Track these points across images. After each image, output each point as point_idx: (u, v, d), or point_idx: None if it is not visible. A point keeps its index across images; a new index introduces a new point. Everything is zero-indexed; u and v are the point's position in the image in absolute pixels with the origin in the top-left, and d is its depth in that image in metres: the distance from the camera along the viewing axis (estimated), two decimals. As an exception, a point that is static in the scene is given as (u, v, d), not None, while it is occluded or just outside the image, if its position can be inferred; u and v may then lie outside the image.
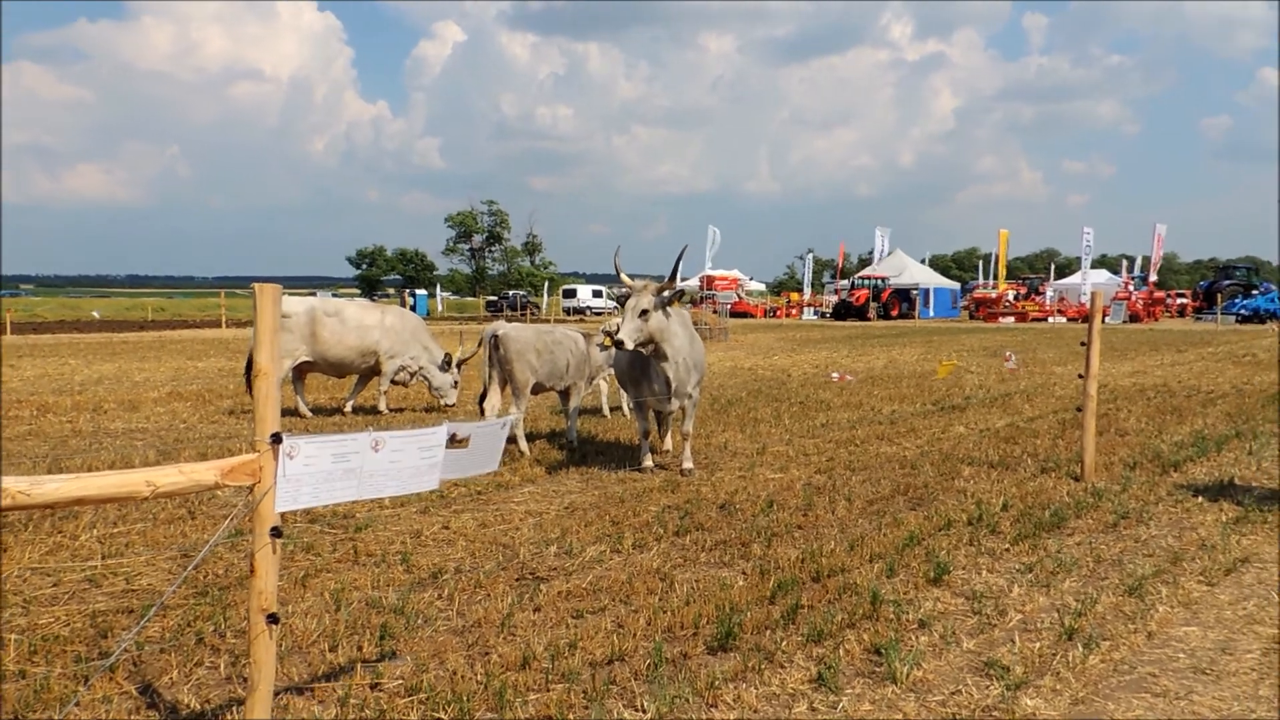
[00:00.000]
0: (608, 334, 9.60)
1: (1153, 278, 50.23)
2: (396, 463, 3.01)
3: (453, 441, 3.20)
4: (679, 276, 7.49)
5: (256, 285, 2.76)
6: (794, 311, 54.57)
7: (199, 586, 4.64)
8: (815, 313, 53.18)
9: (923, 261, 59.88)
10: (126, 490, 2.48)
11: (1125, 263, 55.71)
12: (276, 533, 2.72)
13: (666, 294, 7.26)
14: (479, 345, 9.85)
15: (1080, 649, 3.93)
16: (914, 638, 4.07)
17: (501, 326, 8.64)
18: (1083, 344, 7.62)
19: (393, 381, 11.32)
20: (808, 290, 60.48)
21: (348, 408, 11.28)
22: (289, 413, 10.59)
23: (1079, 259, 50.24)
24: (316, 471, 2.85)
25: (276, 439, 2.72)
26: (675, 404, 7.73)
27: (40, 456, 8.16)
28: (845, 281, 53.14)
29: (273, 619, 2.73)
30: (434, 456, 3.12)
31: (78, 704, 3.31)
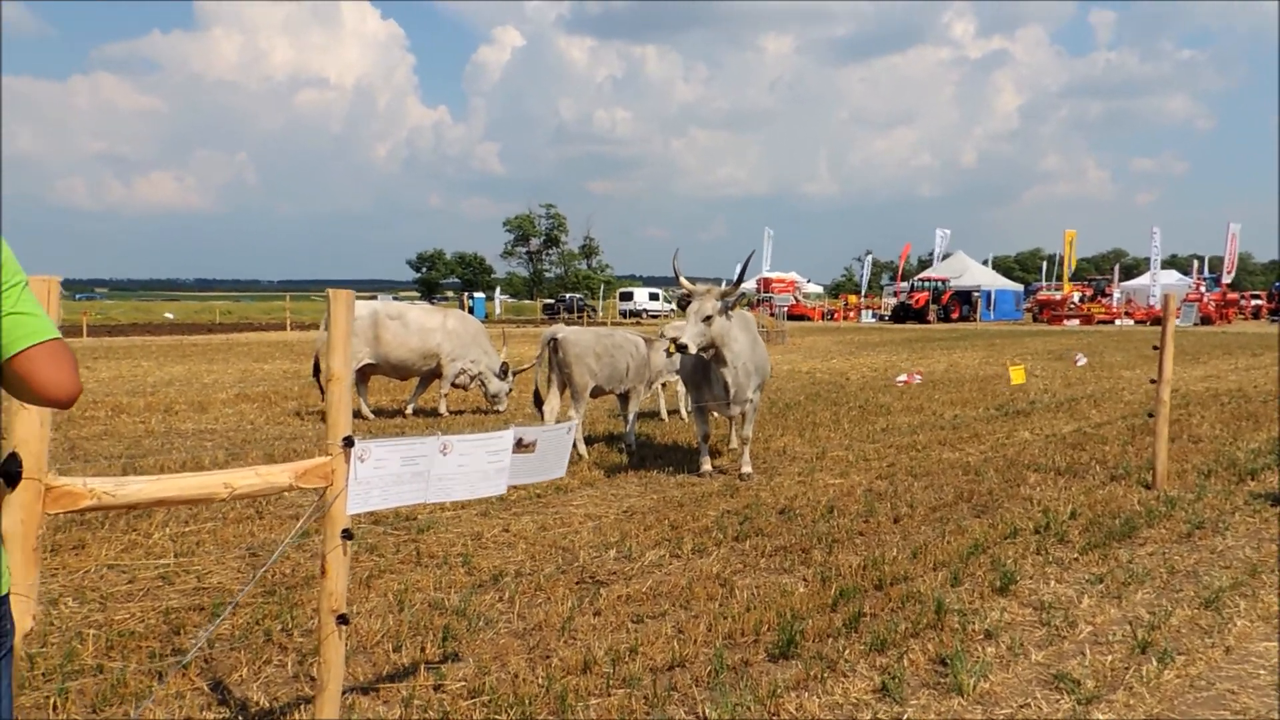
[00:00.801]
0: (672, 340, 9.62)
1: (1226, 279, 48.74)
2: (464, 466, 3.04)
3: (519, 446, 3.23)
4: (743, 282, 7.46)
5: (331, 291, 2.81)
6: (851, 314, 54.04)
7: (267, 585, 4.74)
8: (873, 315, 52.58)
9: (985, 263, 58.84)
10: (205, 492, 2.54)
11: (1196, 263, 54.14)
12: (348, 535, 2.76)
13: (729, 299, 7.25)
14: (540, 354, 9.93)
15: (1154, 663, 3.82)
16: (980, 648, 4.00)
17: (561, 330, 8.69)
18: (1155, 347, 7.41)
19: (452, 384, 11.46)
20: (865, 292, 59.82)
21: (409, 410, 11.44)
22: (352, 415, 10.77)
23: (1147, 260, 48.98)
24: (386, 474, 2.90)
25: (349, 443, 2.77)
26: (736, 409, 7.69)
27: (115, 456, 8.42)
28: (905, 284, 52.40)
29: (342, 620, 2.77)
30: (501, 461, 3.14)
31: (153, 700, 3.41)
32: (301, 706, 3.38)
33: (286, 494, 6.72)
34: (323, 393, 9.74)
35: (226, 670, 3.72)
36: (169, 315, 52.43)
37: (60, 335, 1.69)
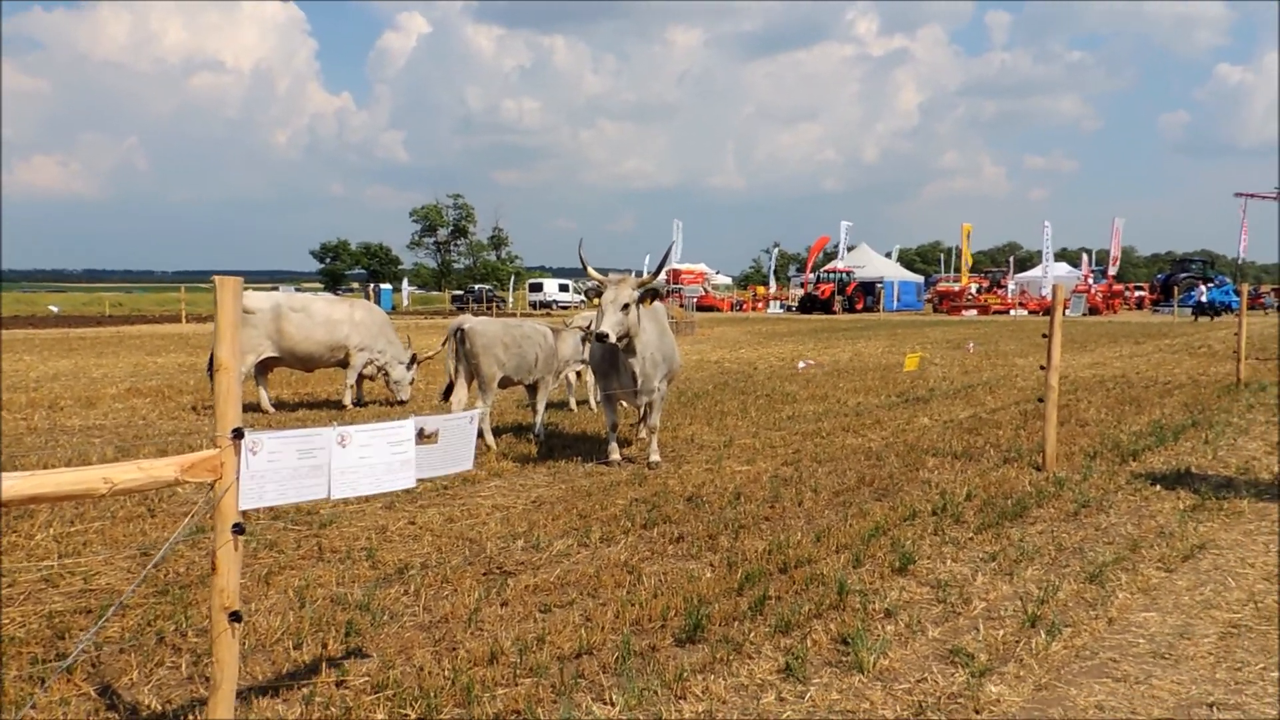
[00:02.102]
0: (586, 329, 9.59)
1: (1111, 271, 51.04)
2: (366, 459, 2.97)
3: (421, 437, 3.17)
4: (661, 272, 7.47)
5: (217, 278, 2.71)
6: (760, 305, 54.80)
7: (159, 585, 4.57)
8: (781, 306, 53.44)
9: (888, 255, 60.39)
10: (83, 488, 2.43)
11: (1085, 256, 56.54)
12: (239, 529, 2.68)
13: (647, 287, 7.26)
14: (443, 343, 9.79)
15: (1043, 636, 3.99)
16: (880, 627, 4.10)
17: (468, 320, 8.59)
18: (1044, 336, 7.72)
19: (361, 375, 11.22)
20: (773, 284, 60.76)
21: (347, 400, 11.14)
22: (252, 408, 10.46)
23: (1040, 253, 50.94)
24: (282, 468, 2.81)
25: (238, 434, 2.68)
26: (644, 398, 7.72)
27: (-6, 455, 7.98)
28: (812, 275, 53.42)
29: (235, 617, 2.69)
30: (405, 453, 3.09)
31: (34, 706, 3.25)
32: (196, 708, 3.26)
33: (180, 491, 6.49)
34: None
35: (116, 674, 3.57)
36: (53, 308, 49.98)
37: None
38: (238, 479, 2.69)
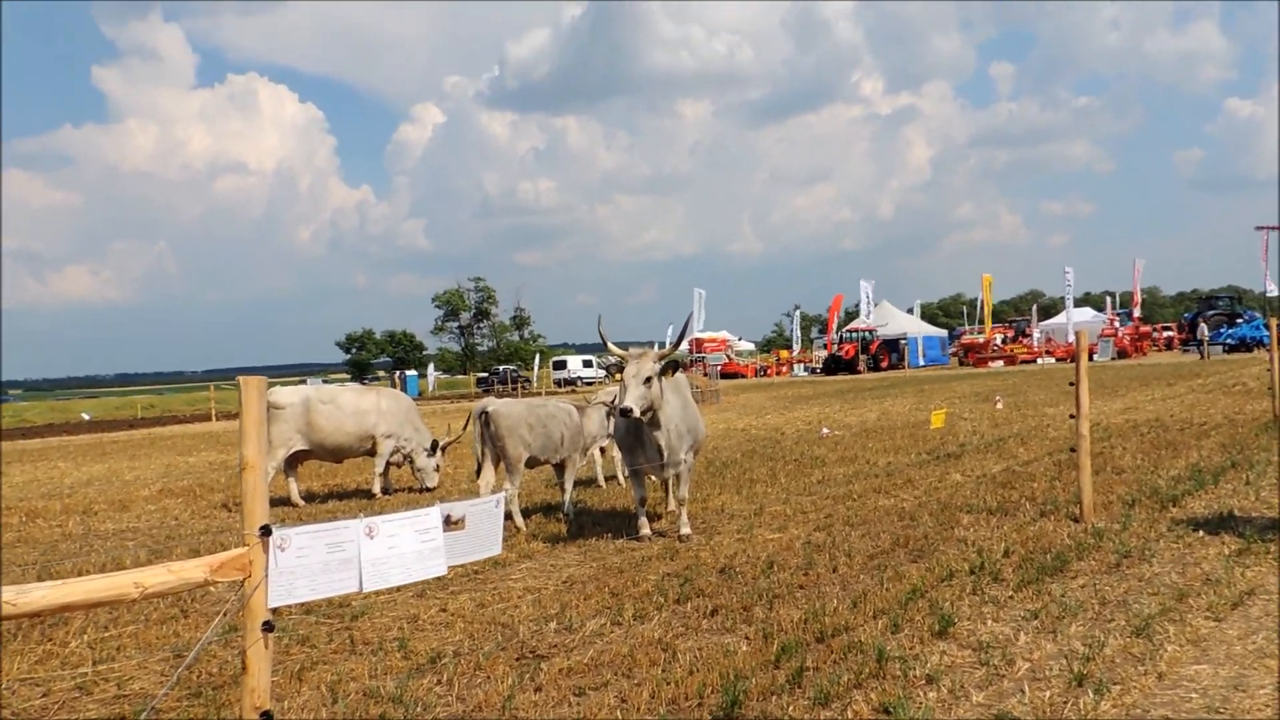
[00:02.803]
0: (608, 404, 9.62)
1: (1136, 313, 50.66)
2: (396, 548, 2.98)
3: (449, 523, 3.18)
4: (682, 343, 7.51)
5: (241, 378, 2.77)
6: (784, 369, 54.73)
7: (192, 688, 4.55)
8: (806, 369, 53.35)
9: (910, 311, 60.35)
10: (114, 593, 2.45)
11: (1109, 299, 56.23)
12: (269, 627, 2.68)
13: (668, 360, 7.31)
14: (465, 425, 9.84)
15: (1091, 695, 3.87)
16: (922, 694, 4.01)
17: (491, 403, 8.64)
18: (1071, 384, 7.65)
19: (389, 463, 11.28)
20: (797, 347, 60.76)
21: (376, 490, 11.20)
22: (282, 502, 10.51)
23: (1062, 299, 50.74)
24: (312, 563, 2.83)
25: (266, 531, 2.70)
26: (670, 471, 7.70)
27: (29, 564, 8.05)
28: (835, 335, 53.40)
29: (267, 717, 2.67)
30: (434, 540, 3.10)
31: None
32: (230, 813, 3.23)
33: (213, 590, 6.50)
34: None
35: (149, 781, 3.54)
36: (85, 415, 50.75)
37: None
38: (266, 576, 2.70)
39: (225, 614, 2.97)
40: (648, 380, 7.14)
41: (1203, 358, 37.72)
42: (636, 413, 7.05)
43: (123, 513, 11.07)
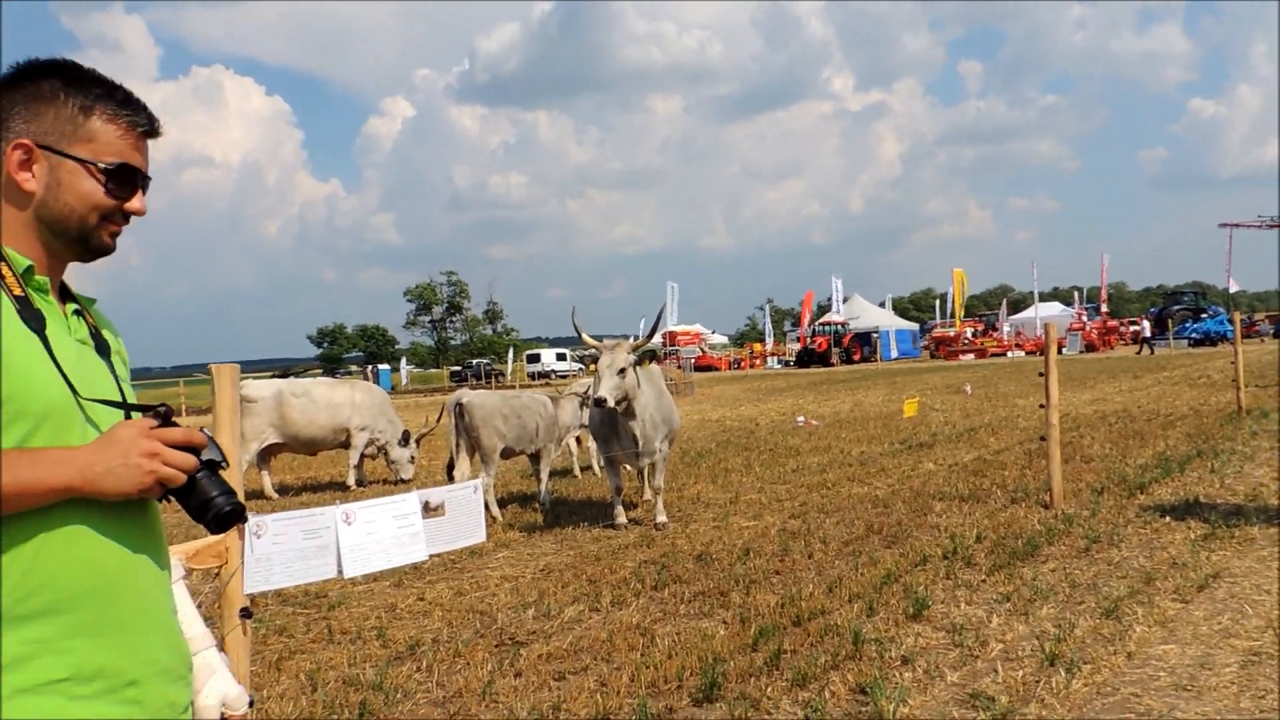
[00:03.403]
0: (581, 395, 9.64)
1: (1103, 308, 51.32)
2: (374, 534, 2.97)
3: (428, 510, 3.18)
4: (656, 334, 7.53)
5: (214, 367, 2.76)
6: (758, 362, 54.95)
7: (169, 677, 4.52)
8: (779, 361, 53.59)
9: (882, 305, 60.76)
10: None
11: (1077, 294, 56.93)
12: (246, 614, 2.67)
13: (641, 351, 7.34)
14: (439, 416, 9.82)
15: (1063, 674, 3.94)
16: (898, 674, 4.06)
17: (465, 394, 8.63)
18: (1041, 375, 7.76)
19: (363, 455, 11.23)
20: (770, 340, 61.02)
21: (351, 481, 11.15)
22: (255, 495, 10.44)
23: (1031, 293, 51.34)
24: (288, 549, 2.82)
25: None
26: (645, 460, 7.73)
27: None
28: (807, 329, 53.69)
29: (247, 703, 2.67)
30: (413, 525, 3.09)
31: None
32: (209, 799, 3.21)
33: (186, 584, 6.44)
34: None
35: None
36: (54, 408, 49.88)
37: None
38: (242, 563, 2.70)
39: (200, 605, 2.94)
40: (622, 371, 7.16)
41: (1152, 353, 38.41)
42: (611, 403, 7.07)
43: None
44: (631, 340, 7.50)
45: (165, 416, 1.33)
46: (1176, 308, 50.91)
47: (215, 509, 1.31)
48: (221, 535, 2.65)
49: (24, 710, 1.20)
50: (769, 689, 3.95)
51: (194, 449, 1.32)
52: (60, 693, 1.23)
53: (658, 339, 53.45)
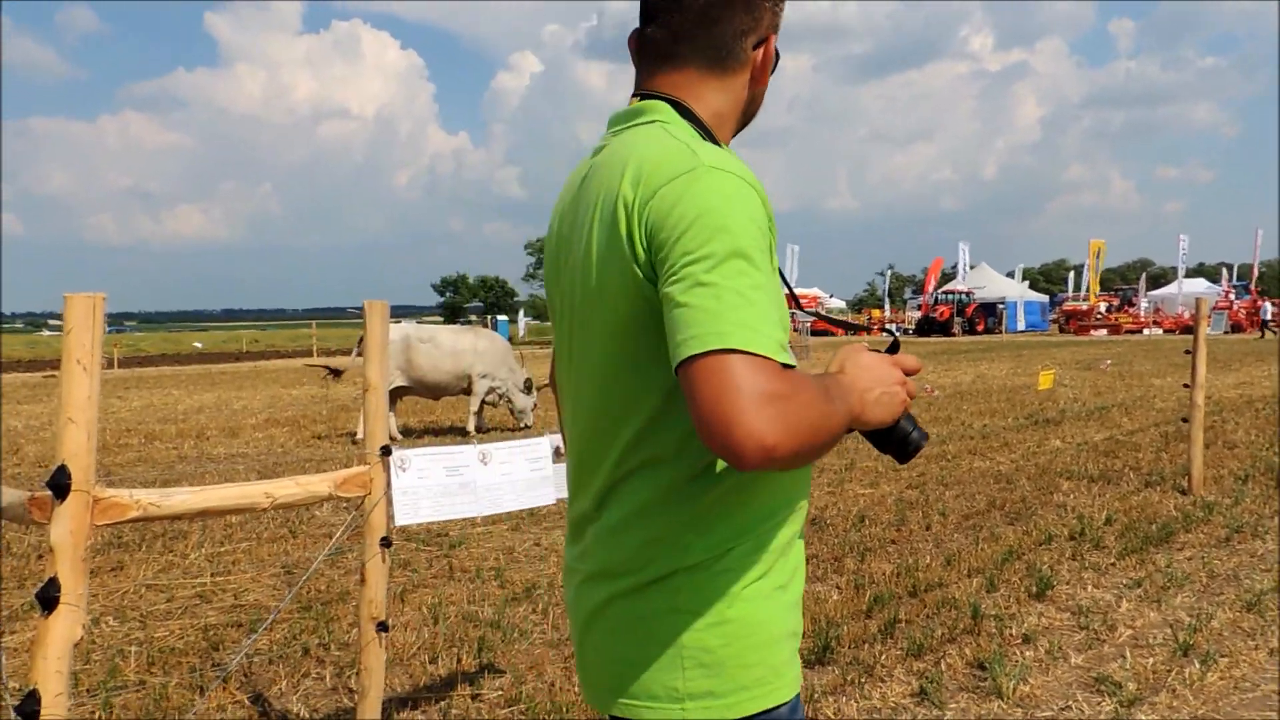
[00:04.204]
0: None
1: (1253, 285, 48.15)
2: (508, 475, 3.07)
3: (558, 455, 3.25)
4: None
5: (367, 303, 2.85)
6: (875, 329, 53.85)
7: (303, 601, 4.78)
8: (898, 329, 52.35)
9: (1010, 275, 58.52)
10: (248, 501, 2.58)
11: (1224, 271, 53.54)
12: (386, 543, 2.79)
13: None
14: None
15: (1197, 665, 3.77)
16: (1018, 652, 3.96)
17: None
18: (1187, 352, 7.35)
19: (483, 402, 11.53)
20: (888, 307, 59.65)
21: (471, 428, 11.51)
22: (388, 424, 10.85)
23: (1174, 268, 48.57)
24: (433, 485, 2.93)
25: (386, 451, 2.80)
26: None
27: (150, 481, 8.52)
28: (930, 296, 52.21)
29: (382, 627, 2.80)
30: (544, 469, 3.17)
31: (195, 713, 3.44)
32: (342, 717, 3.40)
33: (319, 514, 6.79)
34: (332, 373, 9.67)
35: (266, 684, 3.76)
36: (198, 345, 53.08)
37: (745, 348, 1.04)
38: (387, 494, 2.81)
39: (344, 528, 3.10)
40: None
41: (1262, 336, 35.90)
42: None
43: (232, 439, 11.60)
44: None
45: (896, 346, 1.32)
46: (1337, 289, 47.33)
47: (913, 442, 1.28)
48: (372, 466, 2.77)
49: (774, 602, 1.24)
50: (883, 656, 3.91)
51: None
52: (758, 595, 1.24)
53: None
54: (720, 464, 1.22)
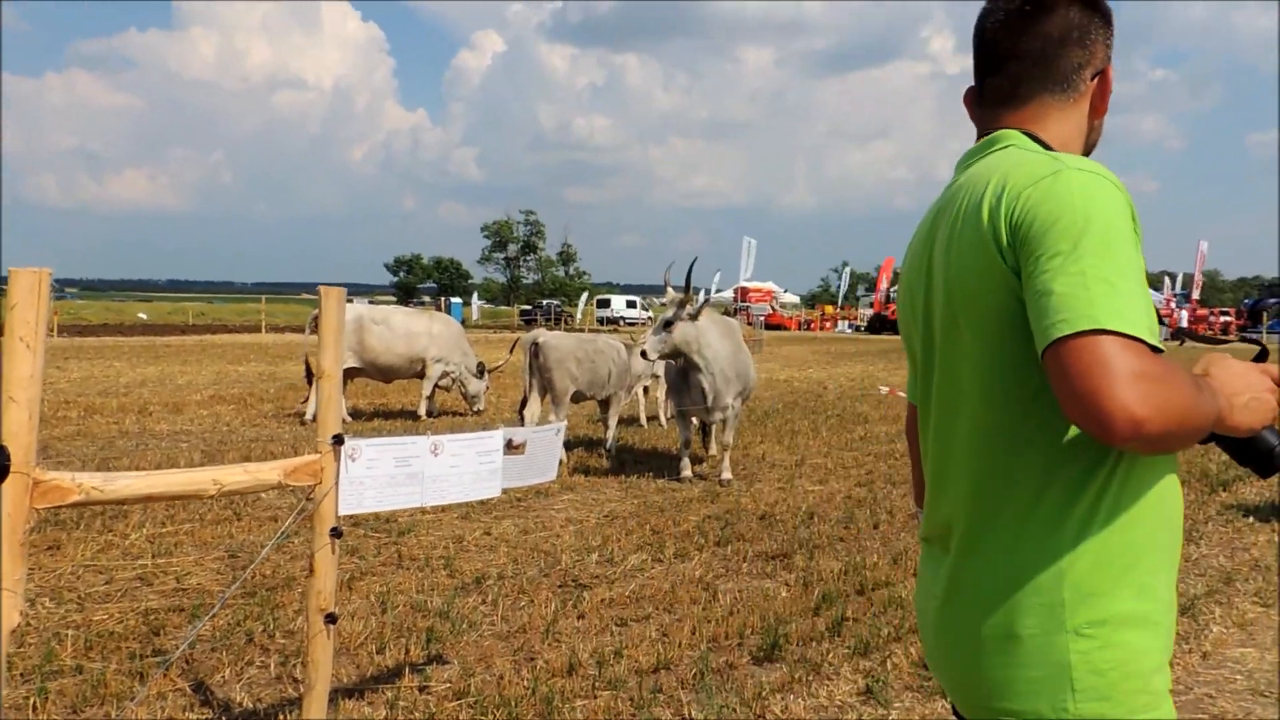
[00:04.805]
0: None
1: (1195, 295, 49.43)
2: (456, 468, 3.03)
3: (509, 448, 3.22)
4: (691, 287, 7.47)
5: (322, 288, 2.80)
6: (828, 325, 54.33)
7: (247, 587, 4.70)
8: (850, 326, 52.90)
9: (960, 276, 59.33)
10: (194, 488, 2.52)
11: (1167, 280, 54.88)
12: (336, 533, 2.75)
13: (690, 308, 7.32)
14: (511, 350, 9.92)
15: (1133, 668, 3.86)
16: (962, 653, 4.02)
17: (542, 334, 8.69)
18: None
19: (436, 386, 11.42)
20: (842, 303, 60.22)
21: (422, 411, 11.38)
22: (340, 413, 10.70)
23: (1120, 275, 49.59)
24: (380, 475, 2.89)
25: (339, 440, 2.75)
26: (717, 414, 7.72)
27: (89, 457, 8.31)
28: (881, 294, 52.75)
29: (330, 619, 2.76)
30: (493, 462, 3.14)
31: (135, 701, 3.37)
32: (285, 708, 3.35)
33: (264, 496, 6.68)
34: (310, 393, 9.50)
35: (208, 671, 3.68)
36: (142, 315, 51.86)
37: (1116, 329, 1.09)
38: (336, 484, 2.77)
39: (295, 518, 3.04)
40: (666, 324, 7.23)
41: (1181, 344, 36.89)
42: (652, 356, 7.35)
43: (176, 415, 11.36)
44: (675, 295, 7.41)
45: (1264, 354, 1.31)
46: (1273, 301, 48.78)
47: (1278, 455, 1.25)
48: (323, 455, 2.73)
49: (1112, 635, 1.24)
50: (830, 655, 3.95)
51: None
52: (1145, 622, 1.26)
53: (728, 294, 52.77)
54: (1115, 479, 1.23)
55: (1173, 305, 46.91)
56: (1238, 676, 3.88)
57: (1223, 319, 51.61)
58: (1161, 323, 1.25)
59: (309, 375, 11.17)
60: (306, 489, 2.79)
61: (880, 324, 48.28)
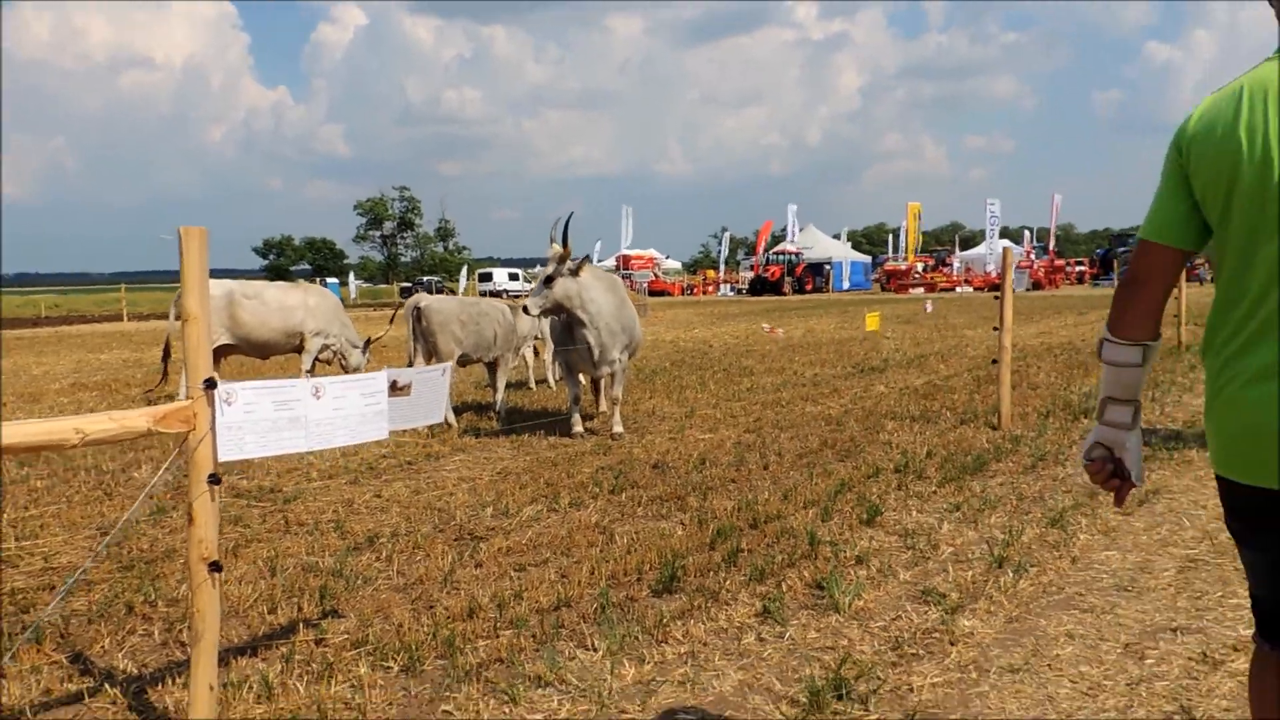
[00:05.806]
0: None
1: (1051, 247, 52.07)
2: (341, 410, 2.94)
3: (394, 389, 3.15)
4: (568, 242, 7.42)
5: (182, 229, 2.66)
6: (710, 289, 55.01)
7: (124, 562, 4.48)
8: (732, 289, 53.70)
9: (837, 237, 60.95)
10: (55, 438, 2.38)
11: (1026, 233, 57.59)
12: (215, 479, 2.63)
13: (570, 263, 7.30)
14: (392, 319, 9.70)
15: (1011, 575, 4.08)
16: (853, 572, 4.17)
17: (424, 298, 8.51)
18: (996, 297, 7.87)
19: (316, 359, 11.06)
20: (723, 268, 61.05)
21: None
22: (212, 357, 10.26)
23: (983, 231, 51.82)
24: (260, 420, 2.78)
25: (210, 384, 2.63)
26: (604, 369, 7.73)
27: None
28: (761, 257, 53.72)
29: (215, 567, 2.65)
30: (378, 404, 3.06)
31: (3, 676, 3.17)
32: (173, 670, 3.21)
33: (136, 475, 6.38)
34: (164, 376, 9.05)
35: (86, 642, 3.50)
36: (-13, 310, 48.42)
37: None
38: (212, 429, 2.65)
39: (167, 466, 2.90)
40: (548, 280, 7.23)
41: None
42: (534, 312, 7.39)
43: (33, 404, 10.70)
44: (558, 249, 7.38)
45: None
46: (1122, 250, 51.80)
47: None
48: (195, 400, 2.60)
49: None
50: (728, 583, 4.03)
51: None
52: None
53: (610, 262, 52.65)
54: None
55: (1031, 256, 49.27)
56: (1104, 575, 4.13)
57: (1078, 269, 54.55)
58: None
59: (166, 356, 10.67)
60: (179, 437, 2.67)
61: (761, 286, 49.13)
